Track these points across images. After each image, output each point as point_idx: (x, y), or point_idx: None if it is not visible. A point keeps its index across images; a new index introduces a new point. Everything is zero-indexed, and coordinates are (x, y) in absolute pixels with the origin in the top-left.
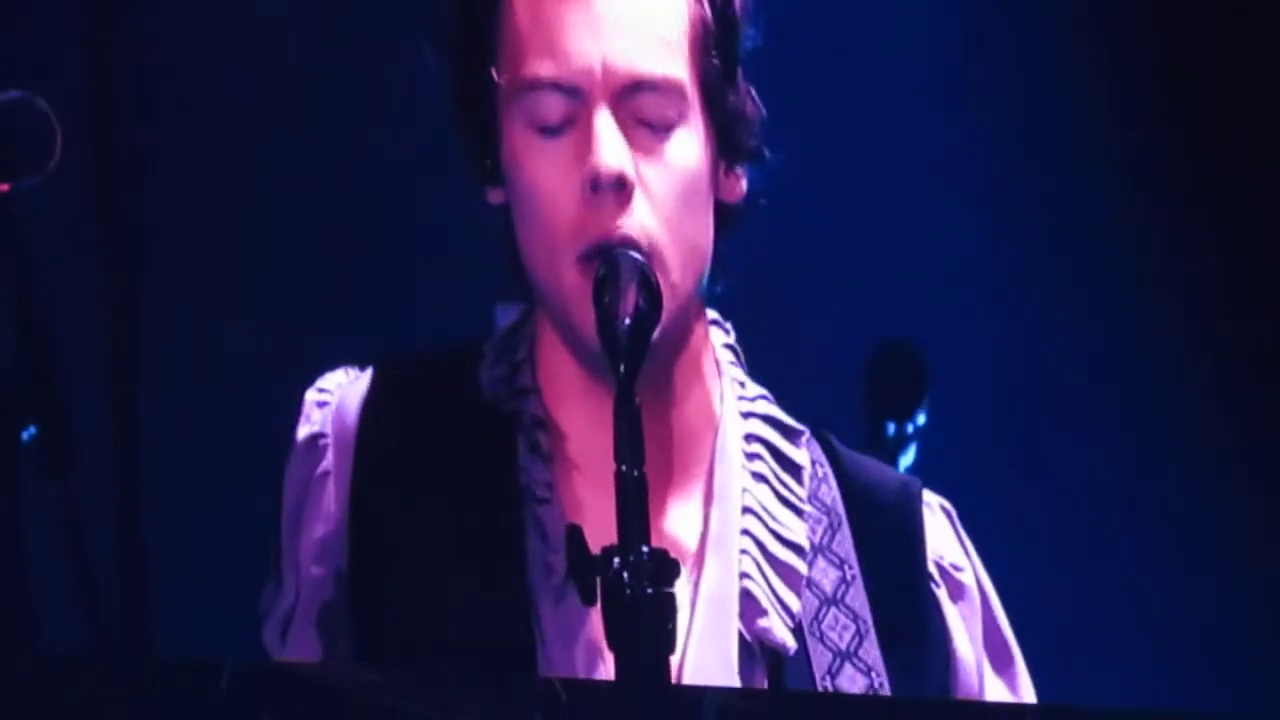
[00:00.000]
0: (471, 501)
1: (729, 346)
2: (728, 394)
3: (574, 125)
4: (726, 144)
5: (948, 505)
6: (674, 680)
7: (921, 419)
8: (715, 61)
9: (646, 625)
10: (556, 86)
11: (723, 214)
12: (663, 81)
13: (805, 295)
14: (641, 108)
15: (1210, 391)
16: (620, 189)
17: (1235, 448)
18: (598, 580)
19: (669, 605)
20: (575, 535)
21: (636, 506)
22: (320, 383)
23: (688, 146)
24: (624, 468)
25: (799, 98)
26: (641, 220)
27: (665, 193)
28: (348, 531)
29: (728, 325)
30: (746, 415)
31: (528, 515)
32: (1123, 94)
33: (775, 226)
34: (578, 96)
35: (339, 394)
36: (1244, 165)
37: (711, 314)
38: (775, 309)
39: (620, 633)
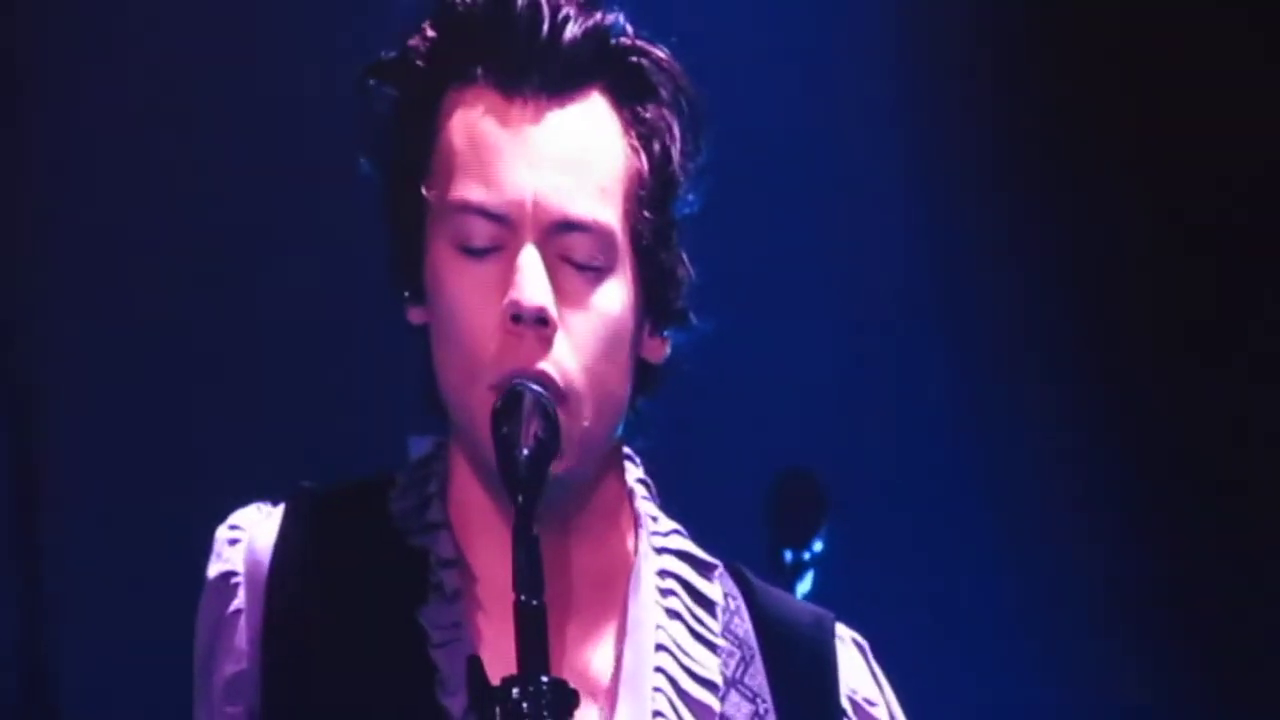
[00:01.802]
0: (379, 642)
1: (641, 481)
2: (642, 530)
3: (500, 252)
4: (653, 302)
5: (860, 639)
6: None
7: (819, 546)
8: (648, 215)
9: None
10: (485, 213)
11: (644, 373)
12: (594, 225)
13: (705, 424)
14: (570, 248)
15: (1109, 506)
16: (542, 326)
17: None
18: (497, 710)
19: None
20: (475, 666)
21: (536, 636)
22: (232, 519)
23: (613, 294)
24: (523, 597)
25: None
26: (560, 361)
27: (586, 337)
28: (259, 669)
29: (637, 459)
30: (660, 551)
31: (431, 656)
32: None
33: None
34: (506, 225)
35: (251, 531)
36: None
37: (624, 449)
38: (675, 438)
39: None
